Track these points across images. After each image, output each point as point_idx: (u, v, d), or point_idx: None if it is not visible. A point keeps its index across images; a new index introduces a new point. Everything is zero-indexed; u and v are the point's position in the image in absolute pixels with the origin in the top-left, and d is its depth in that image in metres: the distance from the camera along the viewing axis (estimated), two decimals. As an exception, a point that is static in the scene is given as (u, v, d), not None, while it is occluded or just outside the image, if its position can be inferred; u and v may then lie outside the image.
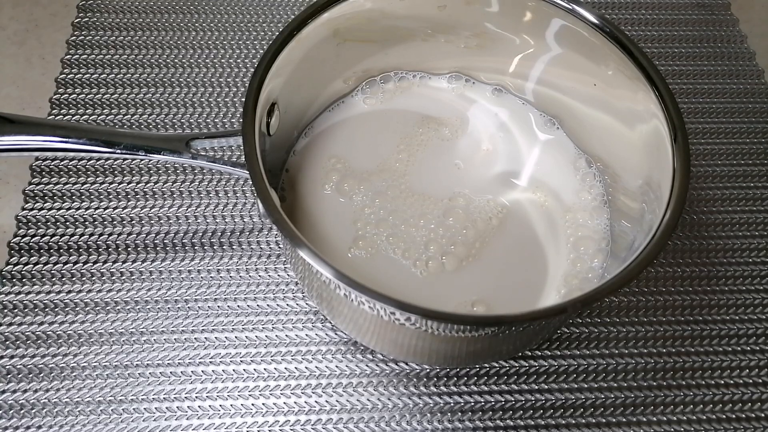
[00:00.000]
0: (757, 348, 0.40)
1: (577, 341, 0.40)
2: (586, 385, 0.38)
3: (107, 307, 0.39)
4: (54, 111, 0.47)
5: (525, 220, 0.39)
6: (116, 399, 0.37)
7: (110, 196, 0.43)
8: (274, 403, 0.37)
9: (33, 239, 0.42)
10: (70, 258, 0.41)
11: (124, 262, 0.41)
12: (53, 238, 0.42)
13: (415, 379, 0.38)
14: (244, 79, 0.49)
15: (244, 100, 0.34)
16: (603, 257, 0.37)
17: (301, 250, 0.28)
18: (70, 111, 0.47)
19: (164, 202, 0.43)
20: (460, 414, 0.37)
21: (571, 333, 0.40)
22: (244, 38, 0.52)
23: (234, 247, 0.42)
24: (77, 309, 0.39)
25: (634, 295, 0.41)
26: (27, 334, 0.39)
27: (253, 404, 0.37)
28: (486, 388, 0.38)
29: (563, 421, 0.37)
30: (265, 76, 0.33)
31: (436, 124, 0.42)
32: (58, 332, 0.39)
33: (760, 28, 0.55)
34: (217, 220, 0.43)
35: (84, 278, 0.40)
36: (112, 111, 0.47)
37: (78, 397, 0.37)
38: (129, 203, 0.43)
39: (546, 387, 0.38)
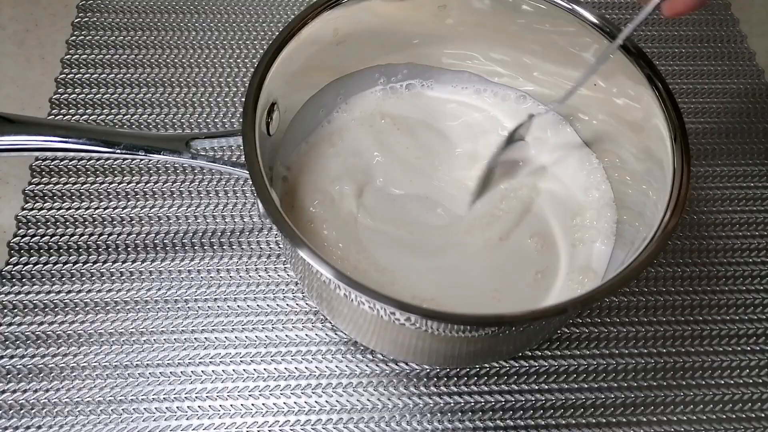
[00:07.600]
0: (757, 348, 0.40)
1: (577, 341, 0.40)
2: (586, 385, 0.38)
3: (107, 307, 0.39)
4: (54, 111, 0.47)
5: (532, 218, 0.39)
6: (116, 399, 0.37)
7: (110, 196, 0.43)
8: (274, 403, 0.37)
9: (33, 239, 0.42)
10: (70, 258, 0.41)
11: (124, 262, 0.41)
12: (53, 238, 0.42)
13: (415, 379, 0.38)
14: (244, 79, 0.49)
15: (244, 100, 0.34)
16: (607, 253, 0.37)
17: (301, 250, 0.28)
18: (70, 111, 0.47)
19: (164, 202, 0.43)
20: (460, 414, 0.37)
21: (571, 333, 0.40)
22: (244, 38, 0.52)
23: (234, 247, 0.42)
24: (77, 309, 0.39)
25: (634, 295, 0.41)
26: (27, 334, 0.39)
27: (253, 404, 0.37)
28: (486, 388, 0.38)
29: (563, 421, 0.37)
30: (265, 76, 0.33)
31: (442, 124, 0.42)
32: (58, 332, 0.39)
33: (760, 28, 0.55)
34: (217, 220, 0.43)
35: (84, 278, 0.40)
36: (112, 111, 0.47)
37: (78, 397, 0.37)
38: (129, 203, 0.43)
39: (546, 387, 0.38)
